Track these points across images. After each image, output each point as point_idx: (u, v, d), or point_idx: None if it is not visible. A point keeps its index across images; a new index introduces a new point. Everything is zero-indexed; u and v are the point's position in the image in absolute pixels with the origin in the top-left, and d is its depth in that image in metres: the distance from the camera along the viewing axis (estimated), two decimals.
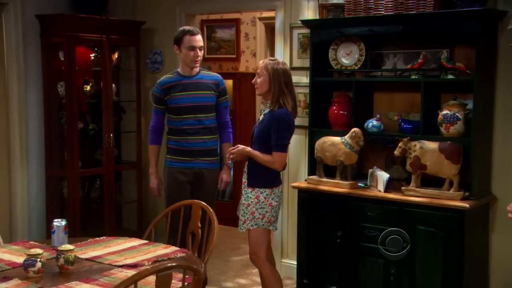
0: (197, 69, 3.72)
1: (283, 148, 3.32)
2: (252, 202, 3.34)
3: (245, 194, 3.38)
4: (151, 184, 3.87)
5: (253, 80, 3.40)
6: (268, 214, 3.34)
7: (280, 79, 3.30)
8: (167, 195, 3.76)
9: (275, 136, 3.27)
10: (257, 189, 3.34)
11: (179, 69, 3.75)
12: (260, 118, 3.42)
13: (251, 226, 3.35)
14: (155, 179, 3.85)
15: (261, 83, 3.33)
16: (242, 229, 3.40)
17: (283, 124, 3.28)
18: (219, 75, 3.84)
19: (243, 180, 3.43)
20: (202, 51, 3.71)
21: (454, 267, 3.27)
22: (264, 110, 3.42)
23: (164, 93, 3.70)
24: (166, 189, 3.78)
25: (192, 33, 3.65)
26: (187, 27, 3.74)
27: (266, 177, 3.35)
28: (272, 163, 3.31)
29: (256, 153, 3.33)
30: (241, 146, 3.40)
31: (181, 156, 3.70)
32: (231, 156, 3.46)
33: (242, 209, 3.38)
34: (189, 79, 3.70)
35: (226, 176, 3.85)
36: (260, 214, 3.33)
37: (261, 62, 3.40)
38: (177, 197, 3.48)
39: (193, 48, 3.63)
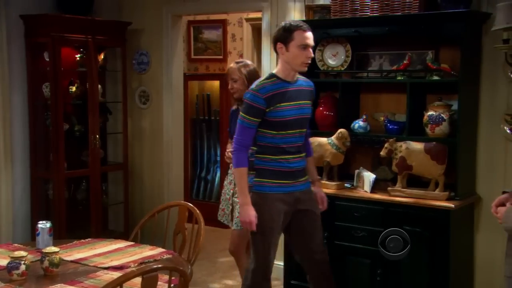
0: (297, 74, 3.06)
1: None
2: None
3: None
4: (248, 217, 2.93)
5: (229, 86, 3.44)
6: None
7: (255, 79, 3.32)
8: (263, 230, 2.96)
9: None
10: None
11: (277, 73, 3.01)
12: None
13: None
14: (252, 211, 2.94)
15: (239, 87, 3.42)
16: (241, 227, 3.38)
17: None
18: (310, 80, 3.21)
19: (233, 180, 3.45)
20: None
21: (440, 266, 3.29)
22: None
23: (267, 103, 2.90)
24: (263, 222, 2.95)
25: (304, 29, 2.94)
26: (294, 21, 3.01)
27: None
28: None
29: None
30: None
31: (280, 179, 2.98)
32: (229, 157, 3.45)
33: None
34: (292, 85, 3.00)
35: (324, 193, 3.28)
36: None
37: (232, 66, 3.45)
38: (275, 232, 3.00)
39: (305, 46, 2.93)
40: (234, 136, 3.02)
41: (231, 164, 3.50)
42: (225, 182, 3.70)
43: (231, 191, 3.53)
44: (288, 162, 2.99)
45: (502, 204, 2.29)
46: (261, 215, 2.94)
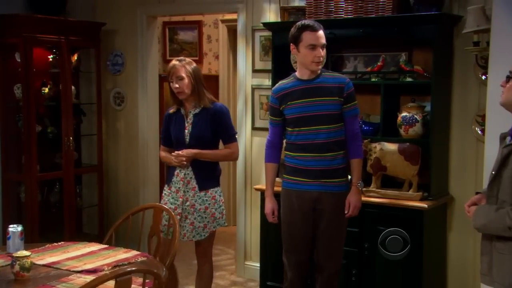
0: (318, 71, 3.07)
1: (236, 138, 3.39)
2: (210, 204, 3.29)
3: (199, 199, 3.27)
4: (265, 209, 3.22)
5: (175, 86, 3.25)
6: (224, 211, 3.37)
7: (200, 77, 3.31)
8: (283, 222, 3.15)
9: (228, 128, 3.32)
10: (210, 189, 3.30)
11: (296, 73, 3.12)
12: (190, 120, 3.29)
13: (214, 227, 3.33)
14: (270, 203, 3.18)
15: (186, 86, 3.24)
16: (204, 235, 3.29)
17: (229, 116, 3.35)
18: (345, 77, 3.13)
19: (192, 186, 3.26)
20: (325, 50, 3.04)
21: (414, 266, 3.33)
22: (191, 112, 3.30)
23: (279, 102, 3.08)
24: (282, 216, 3.16)
25: (313, 29, 2.96)
26: (306, 21, 3.02)
27: (215, 175, 3.36)
28: (232, 155, 3.36)
29: (208, 151, 3.28)
30: (188, 150, 3.25)
31: (298, 176, 3.06)
32: (180, 161, 3.23)
33: (199, 215, 3.27)
34: (308, 83, 3.04)
35: (354, 199, 3.07)
36: (219, 213, 3.34)
37: (176, 63, 3.26)
38: (295, 226, 3.08)
39: (314, 47, 2.96)
40: None
41: (176, 171, 3.30)
42: (168, 191, 3.36)
43: (180, 199, 3.27)
44: (304, 160, 3.04)
45: (474, 204, 2.34)
46: (282, 208, 3.15)
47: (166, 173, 3.41)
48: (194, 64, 3.33)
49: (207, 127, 3.27)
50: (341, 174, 3.07)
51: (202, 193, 3.28)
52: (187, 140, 3.28)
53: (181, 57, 3.37)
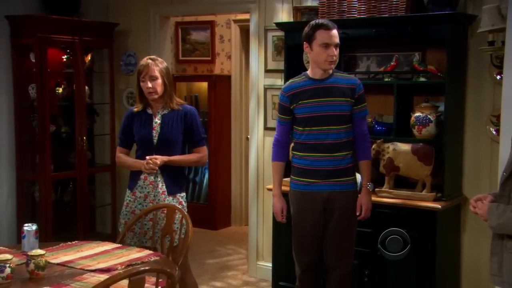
0: (330, 71, 3.06)
1: (205, 142, 3.31)
2: None
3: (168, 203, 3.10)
4: (273, 208, 3.21)
5: (147, 85, 3.08)
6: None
7: (171, 77, 3.20)
8: (294, 223, 3.13)
9: (199, 131, 3.23)
10: (178, 195, 3.17)
11: (308, 72, 3.11)
12: (158, 120, 3.15)
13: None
14: (278, 203, 3.16)
15: (159, 86, 3.11)
16: (177, 241, 3.03)
17: (199, 119, 3.26)
18: (357, 79, 3.15)
19: (162, 190, 3.12)
20: (338, 50, 3.02)
21: (427, 267, 3.31)
22: (159, 112, 3.17)
23: (290, 100, 3.06)
24: (293, 216, 3.13)
25: (327, 27, 2.96)
26: (320, 20, 3.03)
27: (182, 180, 3.27)
28: (201, 159, 3.26)
29: (179, 157, 3.16)
30: (160, 157, 3.10)
31: (308, 177, 3.04)
32: (150, 167, 3.08)
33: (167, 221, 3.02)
34: (320, 83, 3.03)
35: (366, 200, 3.11)
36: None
37: (149, 62, 3.11)
38: (305, 227, 3.07)
39: (327, 45, 2.96)
40: None
41: (144, 175, 3.15)
42: (132, 197, 3.19)
43: (151, 203, 3.12)
44: (313, 160, 3.03)
45: (479, 200, 2.31)
46: (292, 209, 3.14)
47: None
48: (166, 64, 3.21)
49: (178, 130, 3.15)
50: (350, 173, 3.08)
51: (170, 198, 3.14)
52: (155, 141, 3.14)
53: (153, 56, 3.25)
